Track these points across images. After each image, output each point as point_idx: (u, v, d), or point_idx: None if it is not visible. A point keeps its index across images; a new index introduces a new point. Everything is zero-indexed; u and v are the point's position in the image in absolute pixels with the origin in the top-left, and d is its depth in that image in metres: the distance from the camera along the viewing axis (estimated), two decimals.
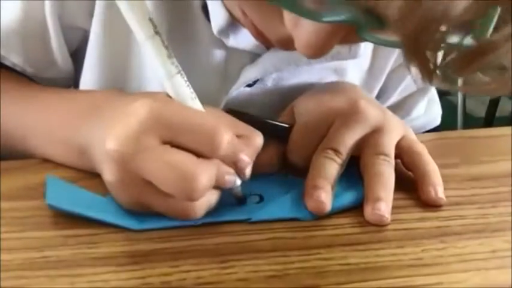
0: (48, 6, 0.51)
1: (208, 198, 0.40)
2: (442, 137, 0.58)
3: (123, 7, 0.38)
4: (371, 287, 0.36)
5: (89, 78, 0.54)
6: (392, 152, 0.46)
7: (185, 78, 0.40)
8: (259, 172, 0.41)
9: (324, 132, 0.46)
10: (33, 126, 0.49)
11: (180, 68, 0.40)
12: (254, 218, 0.41)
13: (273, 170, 0.46)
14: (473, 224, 0.43)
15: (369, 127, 0.46)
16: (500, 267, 0.38)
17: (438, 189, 0.44)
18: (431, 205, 0.44)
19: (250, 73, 0.52)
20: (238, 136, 0.40)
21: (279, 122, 0.48)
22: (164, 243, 0.39)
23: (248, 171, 0.41)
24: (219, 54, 0.53)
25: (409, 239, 0.40)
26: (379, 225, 0.42)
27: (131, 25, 0.38)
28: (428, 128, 0.66)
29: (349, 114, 0.46)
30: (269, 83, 0.54)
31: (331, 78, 0.56)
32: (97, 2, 0.51)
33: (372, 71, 0.58)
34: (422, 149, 0.47)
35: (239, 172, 0.40)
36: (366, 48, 0.55)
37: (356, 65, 0.57)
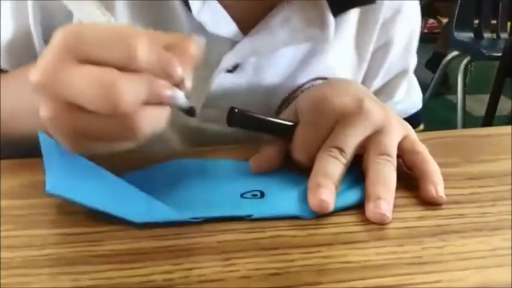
0: (31, 14, 0.51)
1: (154, 116, 0.38)
2: (442, 136, 0.58)
3: None
4: (371, 285, 0.36)
5: None
6: (394, 152, 0.46)
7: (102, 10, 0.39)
8: (263, 170, 0.41)
9: (328, 131, 0.46)
10: (7, 106, 0.51)
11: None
12: (255, 214, 0.42)
13: (276, 167, 0.46)
14: (473, 222, 0.43)
15: (373, 127, 0.46)
16: (500, 266, 0.38)
17: (439, 188, 0.45)
18: (432, 204, 0.44)
19: (229, 59, 0.54)
20: (169, 48, 0.38)
21: (283, 120, 0.48)
22: (166, 241, 0.39)
23: (187, 81, 0.39)
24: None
25: (409, 237, 0.41)
26: (380, 223, 0.42)
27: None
28: (410, 113, 0.67)
29: (354, 113, 0.46)
30: (249, 70, 0.55)
31: (311, 61, 0.58)
32: None
33: (357, 49, 0.60)
34: (423, 150, 0.47)
35: (177, 84, 0.38)
36: (350, 26, 0.57)
37: (338, 45, 0.58)
